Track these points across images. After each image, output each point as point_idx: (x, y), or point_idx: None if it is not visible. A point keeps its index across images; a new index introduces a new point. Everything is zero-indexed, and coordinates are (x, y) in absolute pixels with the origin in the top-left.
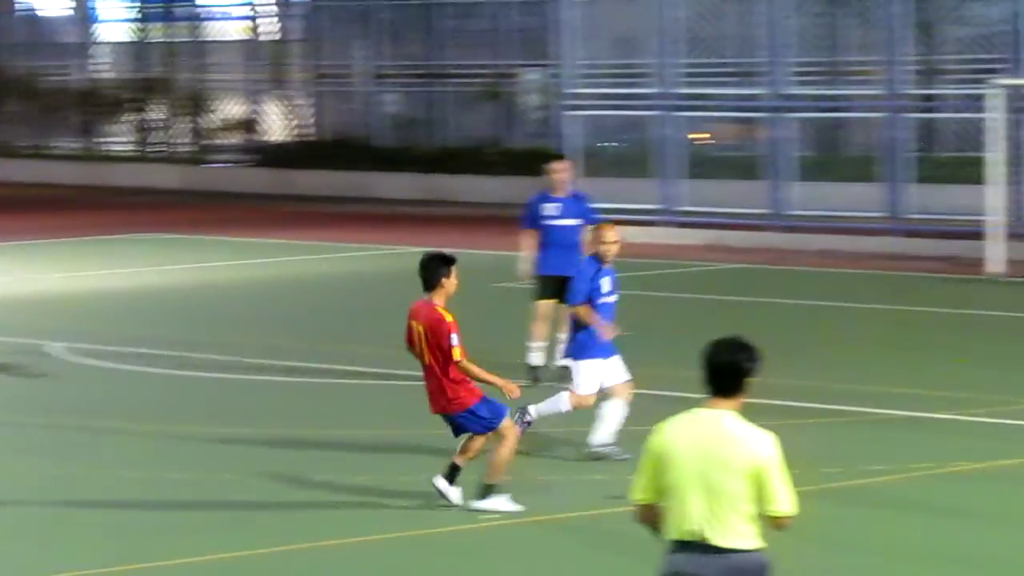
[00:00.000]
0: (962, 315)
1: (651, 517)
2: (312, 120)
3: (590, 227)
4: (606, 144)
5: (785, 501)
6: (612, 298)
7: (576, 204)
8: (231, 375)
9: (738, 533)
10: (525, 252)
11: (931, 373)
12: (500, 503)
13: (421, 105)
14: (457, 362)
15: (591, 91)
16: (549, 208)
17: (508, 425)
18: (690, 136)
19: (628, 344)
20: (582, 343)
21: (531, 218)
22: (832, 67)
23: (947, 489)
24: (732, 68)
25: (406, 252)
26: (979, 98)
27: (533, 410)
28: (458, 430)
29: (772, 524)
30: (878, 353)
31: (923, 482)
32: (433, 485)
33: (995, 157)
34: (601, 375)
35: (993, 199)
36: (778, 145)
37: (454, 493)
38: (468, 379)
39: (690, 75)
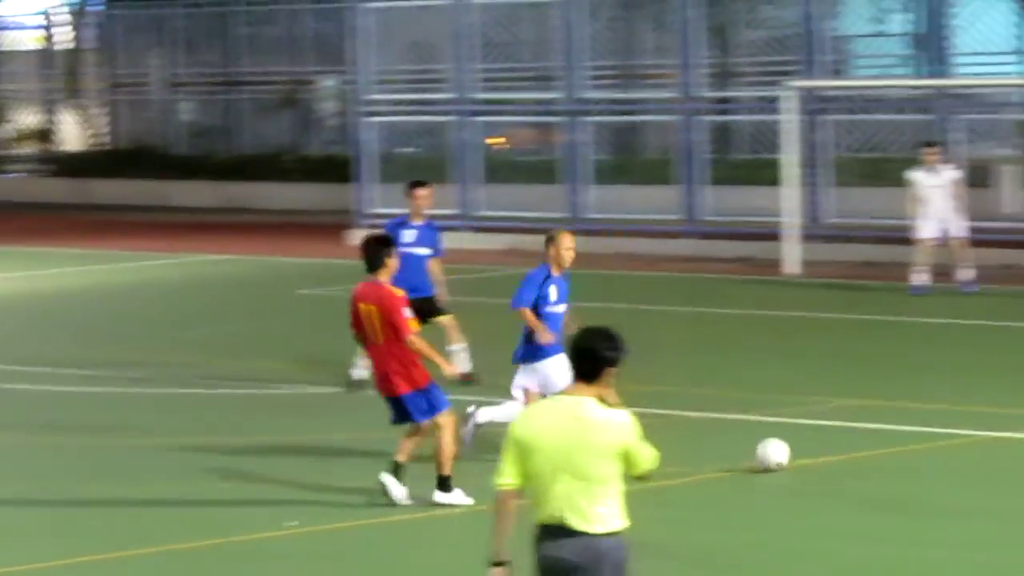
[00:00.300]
0: (759, 316)
1: (510, 502)
2: (108, 129)
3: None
4: (403, 150)
5: (650, 459)
6: (560, 308)
7: (430, 233)
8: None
9: (600, 517)
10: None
11: (727, 374)
12: (458, 496)
13: (218, 113)
14: (411, 335)
15: (387, 97)
16: (407, 235)
17: (446, 415)
18: (487, 141)
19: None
20: (531, 349)
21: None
22: (627, 71)
23: (739, 490)
24: (528, 73)
25: (207, 260)
26: (773, 100)
27: (482, 414)
28: (401, 414)
29: (638, 479)
30: (675, 355)
31: (715, 484)
32: (379, 481)
33: (790, 159)
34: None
35: (788, 201)
36: (575, 149)
37: (399, 491)
38: (417, 360)
39: (486, 80)
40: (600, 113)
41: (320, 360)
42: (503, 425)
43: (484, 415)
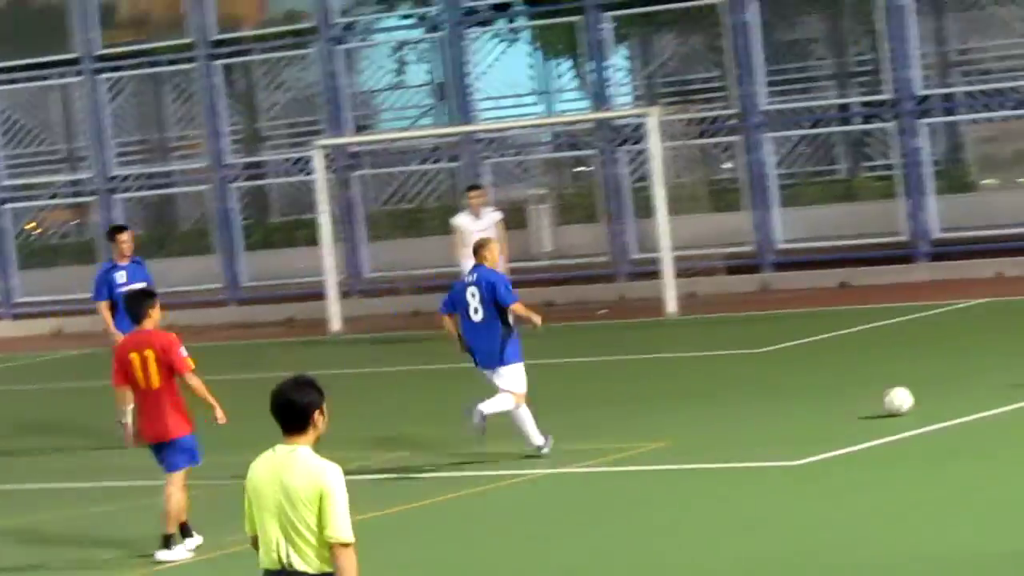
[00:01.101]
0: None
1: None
2: None
3: None
4: None
5: (341, 527)
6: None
7: (140, 269)
8: None
9: (319, 558)
10: (109, 324)
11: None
12: (180, 552)
13: None
14: (190, 371)
15: None
16: (119, 276)
17: (182, 475)
18: (26, 227)
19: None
20: (513, 348)
21: (104, 289)
22: (158, 144)
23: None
24: (58, 155)
25: None
26: (304, 160)
27: (486, 407)
28: (168, 459)
29: (332, 553)
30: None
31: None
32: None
33: (324, 217)
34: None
35: (327, 259)
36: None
37: (182, 550)
38: (183, 408)
39: (13, 166)
40: (132, 189)
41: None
42: (506, 414)
43: (489, 407)
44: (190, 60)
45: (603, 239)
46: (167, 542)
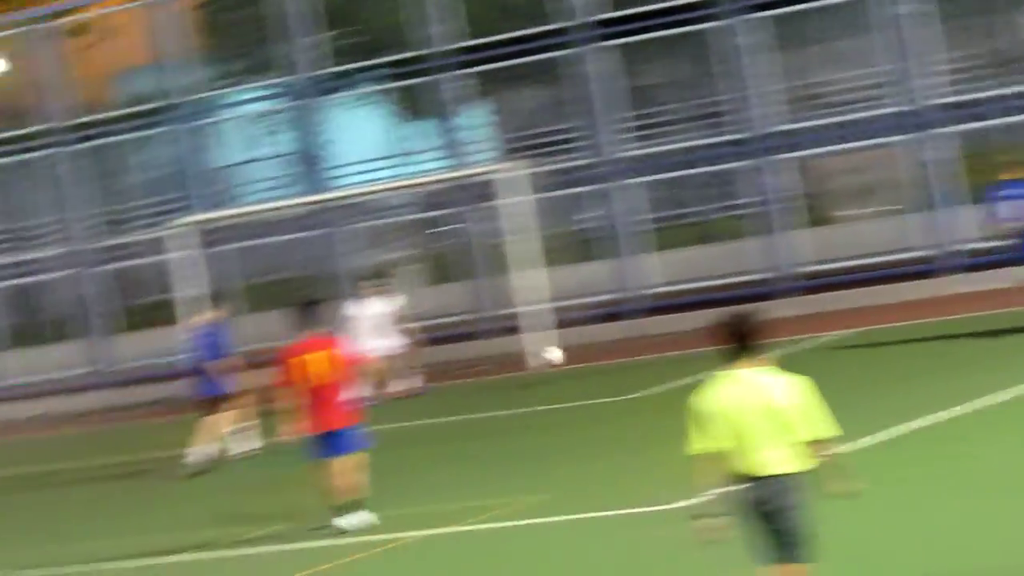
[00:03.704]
0: (161, 458)
1: (708, 464)
2: None
3: None
4: None
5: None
6: None
7: None
8: None
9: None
10: None
11: (152, 522)
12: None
13: None
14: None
15: None
16: None
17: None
18: None
19: None
20: None
21: None
22: (18, 233)
23: None
24: None
25: None
26: (162, 240)
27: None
28: (340, 445)
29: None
30: (102, 510)
31: None
32: (337, 528)
33: (186, 295)
34: None
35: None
36: None
37: (358, 518)
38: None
39: None
40: None
41: None
42: None
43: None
44: (48, 146)
45: (468, 297)
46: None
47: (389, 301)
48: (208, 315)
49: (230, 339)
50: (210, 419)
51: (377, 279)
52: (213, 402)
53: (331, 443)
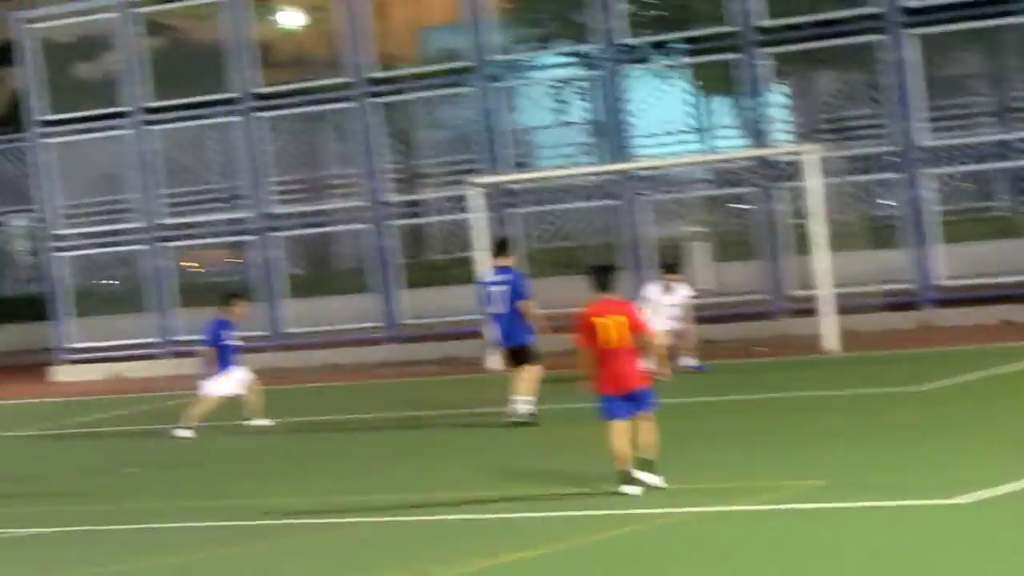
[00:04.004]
0: (464, 414)
1: None
2: None
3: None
4: (100, 282)
5: None
6: None
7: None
8: None
9: None
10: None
11: (435, 476)
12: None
13: None
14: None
15: (77, 231)
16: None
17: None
18: (182, 264)
19: (136, 479)
20: None
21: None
22: (315, 183)
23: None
24: (216, 194)
25: None
26: (460, 198)
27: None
28: (640, 402)
29: None
30: (386, 461)
31: None
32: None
33: (482, 255)
34: None
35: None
36: (268, 265)
37: (654, 478)
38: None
39: (174, 205)
40: (290, 227)
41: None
42: None
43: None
44: (348, 99)
45: (762, 276)
46: (649, 466)
47: (682, 290)
48: (505, 260)
49: (528, 286)
50: (525, 370)
51: (674, 269)
52: (521, 352)
53: (625, 404)
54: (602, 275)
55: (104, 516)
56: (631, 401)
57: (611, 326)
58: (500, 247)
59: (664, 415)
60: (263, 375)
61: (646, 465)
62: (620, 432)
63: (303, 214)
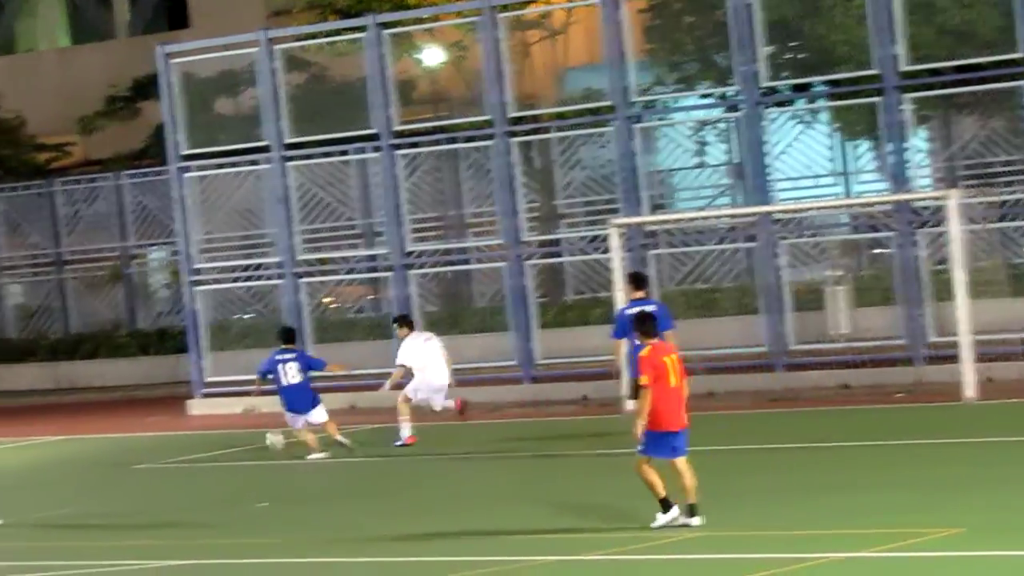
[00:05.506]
0: (600, 457)
1: None
2: None
3: None
4: (236, 316)
5: None
6: None
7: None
8: None
9: None
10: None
11: (573, 516)
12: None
13: (46, 293)
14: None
15: (215, 265)
16: None
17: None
18: (323, 300)
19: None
20: None
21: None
22: (453, 220)
23: None
24: (354, 230)
25: (44, 442)
26: (599, 239)
27: None
28: (680, 446)
29: None
30: (518, 503)
31: None
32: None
33: (619, 295)
34: None
35: None
36: (406, 302)
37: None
38: None
39: (312, 240)
40: (428, 265)
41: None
42: None
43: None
44: (487, 137)
45: (899, 322)
46: (693, 511)
47: None
48: (639, 293)
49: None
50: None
51: None
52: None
53: (672, 441)
54: (649, 322)
55: (233, 550)
56: (678, 438)
57: (671, 364)
58: (636, 280)
59: (800, 460)
60: (392, 413)
61: (694, 509)
62: (673, 468)
63: (440, 252)
